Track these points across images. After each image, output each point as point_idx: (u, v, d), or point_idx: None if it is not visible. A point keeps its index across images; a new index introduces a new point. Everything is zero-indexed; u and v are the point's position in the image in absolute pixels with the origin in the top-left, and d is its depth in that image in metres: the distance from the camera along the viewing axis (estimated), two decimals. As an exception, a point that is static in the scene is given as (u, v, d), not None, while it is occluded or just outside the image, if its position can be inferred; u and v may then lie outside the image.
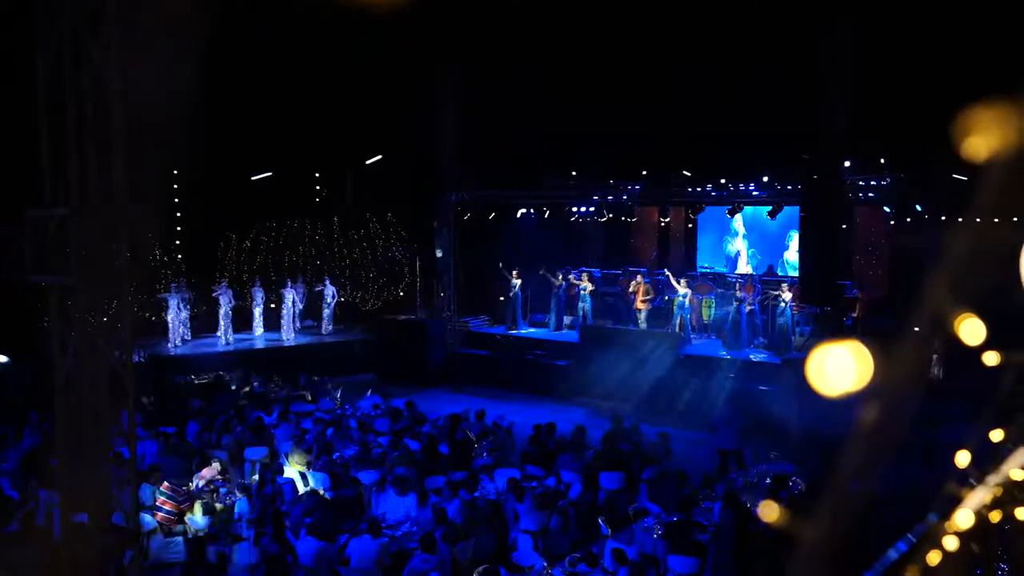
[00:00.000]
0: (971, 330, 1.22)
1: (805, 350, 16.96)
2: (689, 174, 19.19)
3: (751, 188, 18.20)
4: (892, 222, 19.26)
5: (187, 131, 13.50)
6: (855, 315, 16.00)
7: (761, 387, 16.16)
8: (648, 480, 11.22)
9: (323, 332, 21.91)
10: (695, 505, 10.17)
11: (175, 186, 23.13)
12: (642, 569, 8.22)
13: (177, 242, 23.48)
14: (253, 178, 24.03)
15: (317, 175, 27.11)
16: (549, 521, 9.99)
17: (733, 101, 18.47)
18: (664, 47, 19.75)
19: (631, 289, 19.47)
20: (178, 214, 23.41)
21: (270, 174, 24.09)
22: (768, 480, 10.68)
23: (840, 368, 1.27)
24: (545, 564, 8.79)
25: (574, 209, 21.10)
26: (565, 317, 20.41)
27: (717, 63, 18.79)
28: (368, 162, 25.51)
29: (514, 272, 20.26)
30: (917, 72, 16.42)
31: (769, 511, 1.59)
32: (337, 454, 12.15)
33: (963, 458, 1.54)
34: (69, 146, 6.82)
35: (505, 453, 12.63)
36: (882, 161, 16.42)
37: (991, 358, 1.45)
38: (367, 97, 22.05)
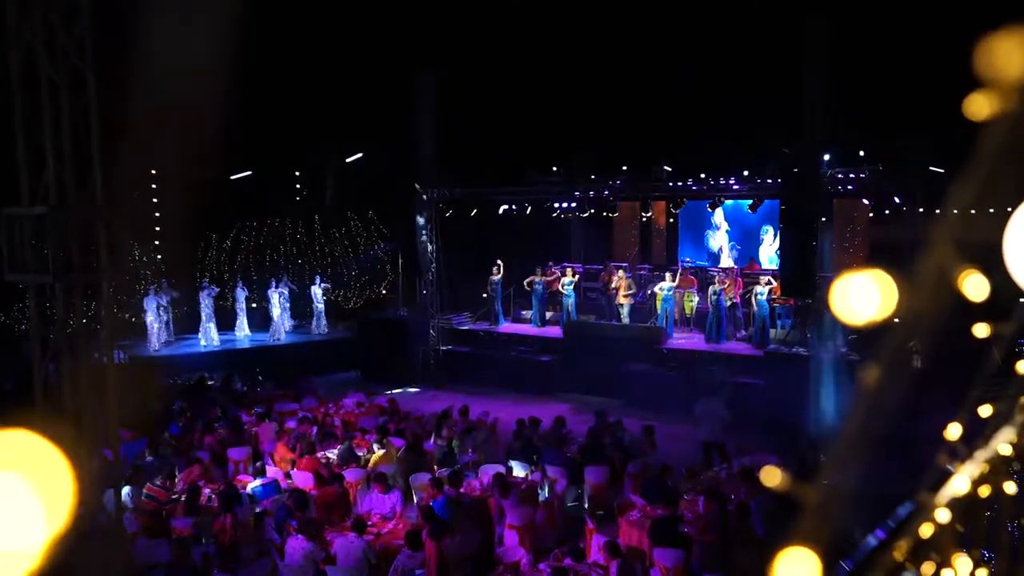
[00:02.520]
0: (975, 285, 1.21)
1: (786, 343, 17.07)
2: (670, 168, 19.24)
3: (731, 182, 18.28)
4: (871, 214, 19.39)
5: (166, 130, 13.40)
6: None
7: (743, 380, 16.25)
8: (632, 474, 11.26)
9: (315, 331, 21.87)
10: (679, 498, 10.21)
11: (153, 186, 22.95)
12: (630, 562, 8.25)
13: (156, 242, 23.31)
14: (232, 177, 23.87)
15: (297, 173, 26.99)
16: (534, 516, 10.00)
17: (713, 96, 18.56)
18: (645, 43, 19.82)
19: (613, 284, 19.50)
20: (157, 214, 23.23)
21: (250, 173, 23.95)
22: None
23: (864, 296, 1.25)
24: (531, 558, 8.80)
25: (556, 205, 21.11)
26: (547, 312, 20.42)
27: (697, 58, 18.87)
28: (348, 160, 25.42)
29: (495, 268, 20.25)
30: (895, 65, 16.56)
31: (772, 476, 1.58)
32: (321, 452, 12.10)
33: (954, 431, 1.55)
34: (45, 144, 6.74)
35: (490, 449, 12.64)
36: (861, 154, 16.53)
37: (981, 330, 1.45)
38: (347, 95, 21.98)
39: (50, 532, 1.10)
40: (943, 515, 1.45)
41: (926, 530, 1.45)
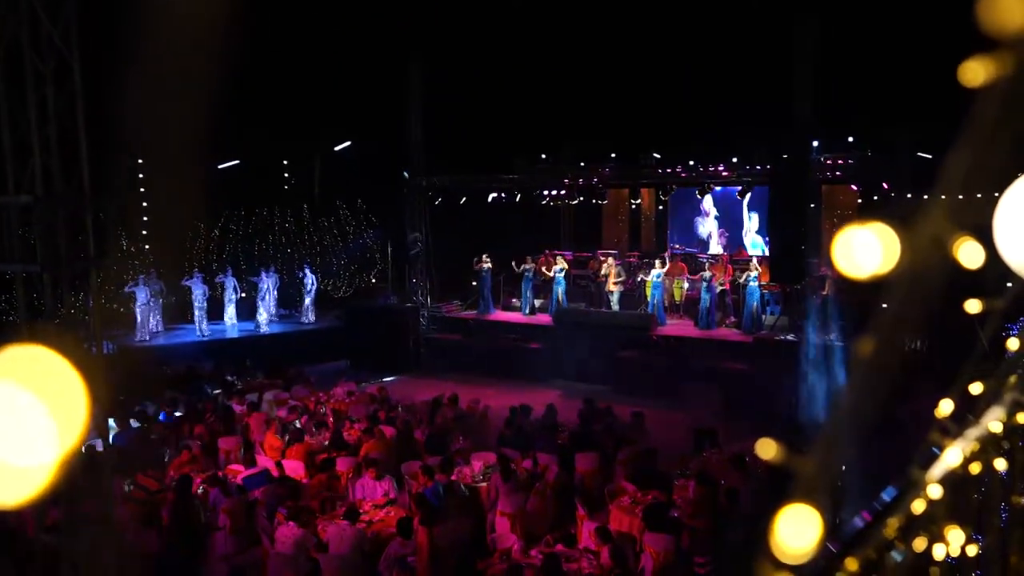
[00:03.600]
0: (970, 253, 1.22)
1: (775, 329, 17.15)
2: (659, 156, 19.26)
3: (720, 169, 18.31)
4: (859, 200, 19.47)
5: (153, 119, 13.31)
6: (824, 293, 16.18)
7: (733, 366, 16.32)
8: (623, 460, 11.29)
9: (305, 320, 21.80)
10: (670, 483, 10.26)
11: (140, 175, 22.80)
12: (621, 547, 8.29)
13: (144, 232, 23.16)
14: (220, 167, 23.73)
15: (285, 162, 26.86)
16: (526, 503, 10.03)
17: (702, 83, 18.55)
18: (634, 30, 19.78)
19: (602, 272, 19.52)
20: (144, 204, 23.08)
21: (237, 162, 23.81)
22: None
23: (867, 249, 1.26)
24: (523, 545, 8.83)
25: (545, 192, 21.12)
26: (537, 300, 20.44)
27: (687, 45, 18.85)
28: (337, 148, 25.32)
29: (484, 256, 20.23)
30: (883, 52, 16.58)
31: (766, 448, 1.58)
32: (312, 441, 12.10)
33: (945, 407, 1.56)
34: (31, 134, 6.69)
35: (480, 437, 12.65)
36: (850, 140, 16.59)
37: (973, 305, 1.46)
38: (335, 83, 21.87)
39: (61, 450, 1.11)
40: (935, 491, 1.47)
41: (918, 506, 1.47)
